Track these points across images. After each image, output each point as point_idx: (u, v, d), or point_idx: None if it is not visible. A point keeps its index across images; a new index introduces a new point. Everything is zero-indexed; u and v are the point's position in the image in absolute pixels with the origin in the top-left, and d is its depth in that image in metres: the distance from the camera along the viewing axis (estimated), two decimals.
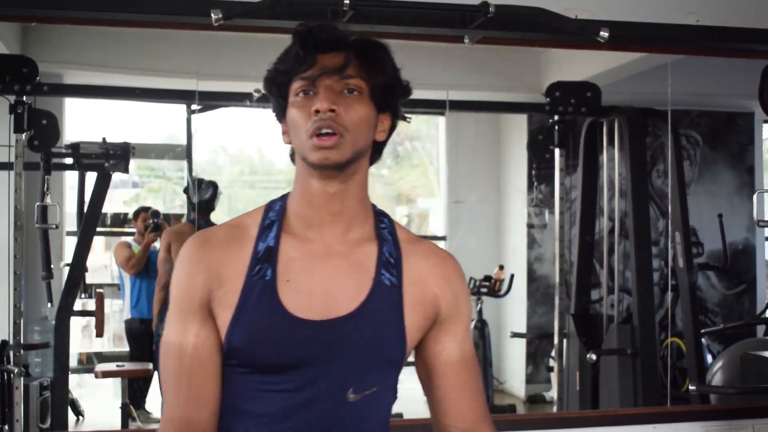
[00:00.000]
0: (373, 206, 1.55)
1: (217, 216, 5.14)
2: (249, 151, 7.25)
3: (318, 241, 1.48)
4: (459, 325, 1.56)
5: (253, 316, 1.43)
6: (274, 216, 1.50)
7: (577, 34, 2.59)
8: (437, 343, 1.54)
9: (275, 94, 1.48)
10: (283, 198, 1.53)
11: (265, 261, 1.45)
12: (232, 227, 1.52)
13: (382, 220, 1.55)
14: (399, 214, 6.74)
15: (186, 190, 5.04)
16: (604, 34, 2.55)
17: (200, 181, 4.96)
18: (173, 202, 7.38)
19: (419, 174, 7.02)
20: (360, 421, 1.46)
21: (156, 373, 5.09)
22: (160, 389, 1.54)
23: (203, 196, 4.88)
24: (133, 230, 5.45)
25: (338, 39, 1.44)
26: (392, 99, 1.50)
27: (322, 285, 1.45)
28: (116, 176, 4.24)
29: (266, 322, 1.42)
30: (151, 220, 5.25)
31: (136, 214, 5.48)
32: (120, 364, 4.90)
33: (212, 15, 2.33)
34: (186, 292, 1.47)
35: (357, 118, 1.42)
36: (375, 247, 1.51)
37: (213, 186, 5.00)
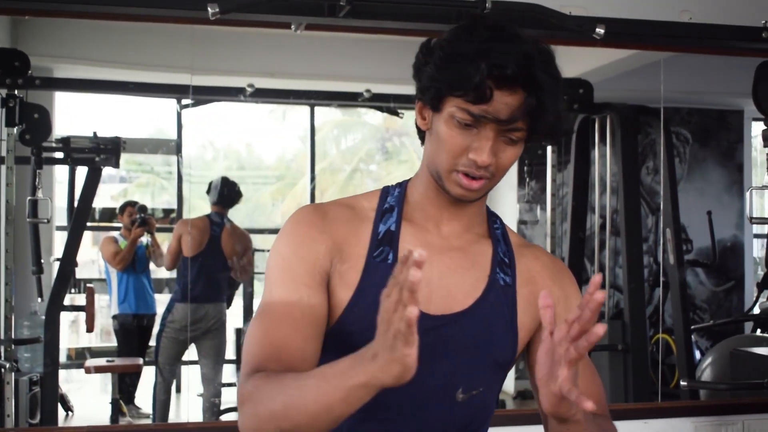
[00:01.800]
0: (486, 207, 1.52)
1: (204, 210, 5.14)
2: (237, 147, 7.23)
3: (436, 233, 1.45)
4: None
5: (373, 299, 1.24)
6: (393, 201, 1.47)
7: (574, 30, 2.59)
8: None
9: (431, 93, 1.35)
10: (402, 185, 1.50)
11: (386, 243, 1.42)
12: (348, 206, 1.47)
13: (494, 221, 1.52)
14: None
15: (209, 189, 5.06)
16: (600, 30, 2.56)
17: (231, 182, 5.06)
18: (161, 197, 7.36)
19: (408, 170, 7.02)
20: (466, 422, 1.43)
21: (148, 367, 5.09)
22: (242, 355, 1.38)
23: (232, 194, 4.98)
24: (120, 225, 5.43)
25: (523, 75, 1.30)
26: (545, 140, 1.47)
27: (440, 278, 1.41)
28: (104, 171, 4.22)
29: None
30: (138, 215, 5.24)
31: (122, 208, 5.46)
32: (110, 359, 4.89)
33: (209, 9, 2.32)
34: (303, 256, 1.39)
35: (508, 164, 1.37)
36: (490, 246, 1.48)
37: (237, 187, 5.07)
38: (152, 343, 5.39)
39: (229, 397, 4.87)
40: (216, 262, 4.93)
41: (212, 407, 4.84)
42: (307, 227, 1.41)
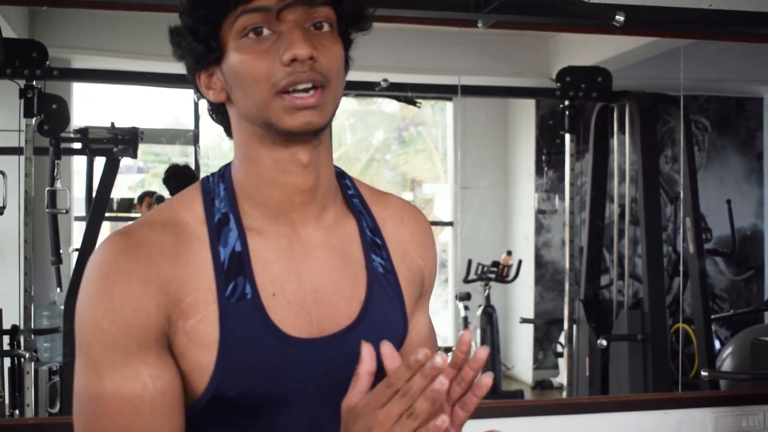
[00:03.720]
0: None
1: None
2: None
3: (291, 234, 1.15)
4: (428, 296, 1.32)
5: (246, 352, 1.08)
6: (224, 207, 1.14)
7: (594, 18, 2.57)
8: (410, 320, 1.26)
9: (202, 35, 1.09)
10: (225, 176, 1.17)
11: (236, 274, 1.10)
12: (167, 227, 1.11)
13: (346, 185, 1.25)
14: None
15: (166, 179, 5.00)
16: (620, 18, 2.53)
17: (178, 166, 4.95)
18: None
19: (424, 159, 7.00)
20: None
21: None
22: None
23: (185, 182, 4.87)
24: (138, 215, 5.45)
25: None
26: (357, 30, 1.16)
27: (313, 291, 1.15)
28: (122, 161, 4.23)
29: (264, 355, 1.09)
30: (156, 205, 5.24)
31: (141, 198, 5.48)
32: None
33: None
34: (130, 324, 1.04)
35: (336, 63, 1.09)
36: (353, 224, 1.22)
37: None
38: None
39: None
40: None
41: None
42: (124, 282, 1.05)
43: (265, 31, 1.06)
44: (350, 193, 1.24)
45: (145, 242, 1.08)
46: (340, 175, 1.25)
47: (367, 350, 1.02)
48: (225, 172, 1.18)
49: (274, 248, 1.14)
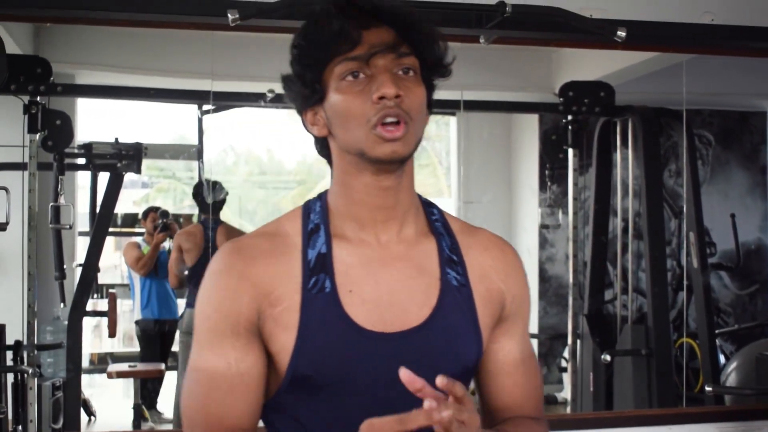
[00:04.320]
0: (419, 196, 1.40)
1: (226, 216, 5.15)
2: (258, 152, 7.24)
3: (373, 243, 1.33)
4: (519, 323, 1.43)
5: (320, 335, 1.26)
6: (318, 219, 1.35)
7: (595, 33, 2.57)
8: (495, 342, 1.40)
9: (308, 80, 1.29)
10: (321, 197, 1.38)
11: (320, 271, 1.30)
12: (271, 236, 1.34)
13: (432, 212, 1.41)
14: None
15: (196, 193, 5.05)
16: (622, 33, 2.53)
17: (213, 182, 4.98)
18: (182, 203, 7.38)
19: (428, 174, 7.01)
20: None
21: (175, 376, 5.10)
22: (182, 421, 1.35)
23: (217, 197, 4.89)
24: (143, 230, 5.46)
25: (382, 10, 1.27)
26: (438, 76, 1.35)
27: (388, 293, 1.31)
28: (126, 176, 4.24)
29: (336, 340, 1.27)
30: (161, 221, 5.26)
31: (145, 214, 5.49)
32: (132, 364, 4.91)
33: (229, 15, 2.32)
34: (227, 312, 1.29)
35: (419, 103, 1.28)
36: (433, 243, 1.37)
37: (223, 188, 5.02)
38: (175, 348, 5.41)
39: None
40: None
41: None
42: (226, 278, 1.31)
43: (360, 75, 1.26)
44: (434, 218, 1.40)
45: (247, 247, 1.33)
46: (428, 204, 1.42)
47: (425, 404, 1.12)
48: (323, 194, 1.39)
49: (356, 254, 1.33)
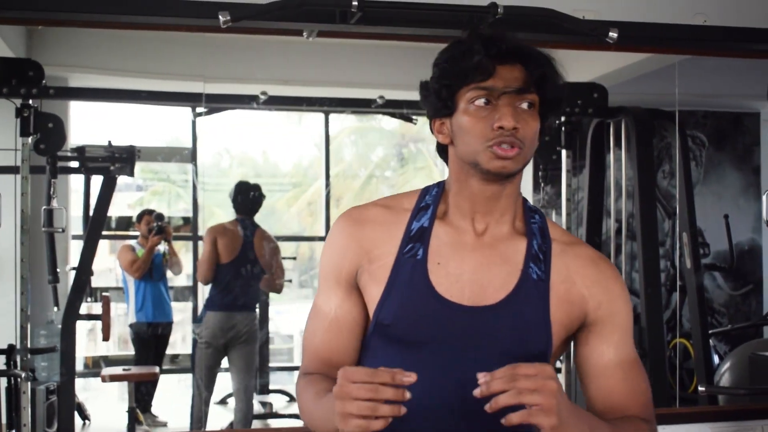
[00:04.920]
0: (526, 202, 1.59)
1: (219, 218, 5.14)
2: (253, 154, 7.24)
3: (469, 231, 1.53)
4: (612, 329, 1.55)
5: (403, 293, 1.50)
6: (431, 200, 1.57)
7: (587, 35, 2.58)
8: (586, 345, 1.55)
9: (443, 96, 1.49)
10: (440, 185, 1.60)
11: (417, 240, 1.52)
12: (387, 207, 1.58)
13: (533, 216, 1.58)
14: None
15: (239, 191, 5.02)
16: (614, 34, 2.54)
17: (254, 185, 5.04)
18: (177, 205, 7.38)
19: (424, 176, 7.01)
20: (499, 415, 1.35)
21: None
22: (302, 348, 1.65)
23: (257, 199, 4.95)
24: (137, 233, 5.45)
25: (517, 50, 1.47)
26: (552, 113, 1.54)
27: (471, 272, 1.50)
28: (120, 179, 4.24)
29: (416, 300, 1.49)
30: (155, 224, 5.26)
31: (140, 217, 5.49)
32: (126, 367, 4.90)
33: (220, 17, 2.32)
34: (334, 264, 1.56)
35: (532, 133, 1.47)
36: (524, 242, 1.54)
37: (262, 194, 5.04)
38: (170, 351, 5.40)
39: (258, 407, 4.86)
40: (252, 268, 4.88)
41: (244, 419, 4.81)
42: (338, 237, 1.57)
43: (488, 103, 1.46)
44: (532, 221, 1.57)
45: (361, 213, 1.58)
46: (532, 210, 1.59)
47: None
48: (441, 183, 1.60)
49: (451, 235, 1.53)
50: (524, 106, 1.47)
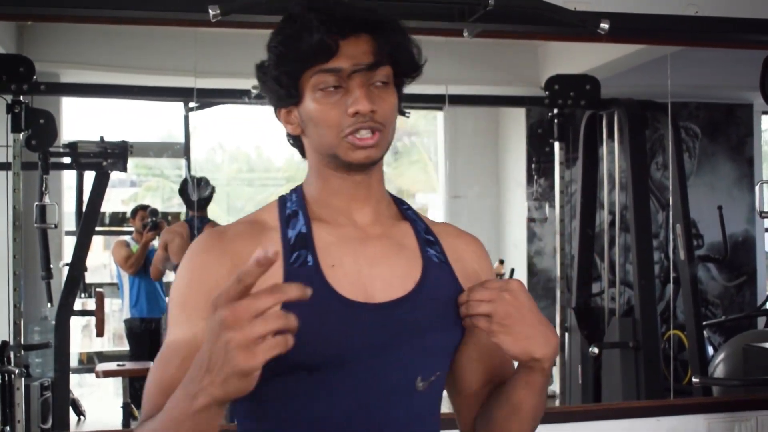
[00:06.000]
0: (389, 193, 1.46)
1: (215, 213, 5.13)
2: (246, 149, 7.22)
3: (352, 226, 1.37)
4: None
5: (304, 307, 1.14)
6: (295, 206, 1.38)
7: (578, 26, 2.58)
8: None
9: (284, 83, 1.32)
10: (297, 190, 1.42)
11: (301, 247, 1.32)
12: (249, 223, 1.37)
13: (402, 203, 1.47)
14: None
15: (182, 189, 5.04)
16: (605, 26, 2.54)
17: (199, 179, 4.96)
18: (171, 201, 7.35)
19: (419, 169, 7.00)
20: (426, 413, 1.35)
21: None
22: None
23: (203, 194, 4.87)
24: (132, 229, 5.44)
25: (361, 20, 1.29)
26: (411, 80, 1.40)
27: (370, 267, 1.33)
28: (114, 175, 4.22)
29: (321, 311, 1.25)
30: (150, 219, 5.24)
31: (134, 212, 5.47)
32: (121, 363, 4.88)
33: (210, 11, 2.32)
34: (199, 287, 1.27)
35: (391, 111, 1.33)
36: (408, 225, 1.42)
37: (209, 184, 5.02)
38: None
39: None
40: None
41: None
42: (204, 254, 1.30)
43: (336, 87, 1.29)
44: (404, 208, 1.46)
45: (226, 230, 1.34)
46: (398, 199, 1.47)
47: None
48: (297, 188, 1.42)
49: (335, 234, 1.35)
50: (378, 82, 1.31)
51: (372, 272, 1.33)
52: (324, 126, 1.31)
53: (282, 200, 1.41)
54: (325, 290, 1.28)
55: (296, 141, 1.42)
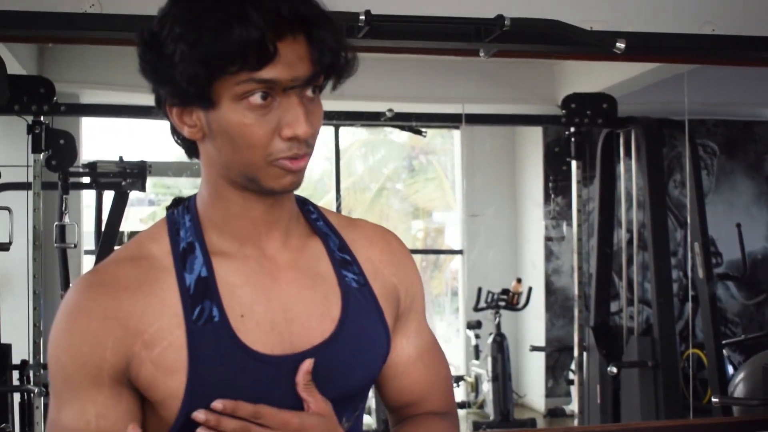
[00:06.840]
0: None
1: None
2: None
3: (258, 257, 1.17)
4: (414, 317, 1.32)
5: (216, 371, 1.09)
6: (190, 236, 1.16)
7: (594, 45, 2.58)
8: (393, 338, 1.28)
9: (198, 81, 1.05)
10: (190, 209, 1.19)
11: (203, 298, 1.11)
12: (135, 260, 1.13)
13: (309, 210, 1.27)
14: (414, 228, 6.73)
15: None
16: (621, 45, 2.54)
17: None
18: None
19: (435, 187, 7.00)
20: None
21: None
22: None
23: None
24: None
25: (300, 14, 1.06)
26: (346, 78, 1.17)
27: (284, 311, 1.16)
28: (133, 194, 4.24)
29: (237, 374, 1.10)
30: None
31: None
32: None
33: None
34: (85, 360, 1.08)
35: (319, 125, 1.12)
36: (320, 243, 1.23)
37: None
38: None
39: None
40: None
41: None
42: (86, 318, 1.09)
43: (267, 98, 1.06)
44: (313, 217, 1.26)
45: (109, 278, 1.12)
46: (302, 202, 1.27)
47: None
48: (190, 205, 1.20)
49: (241, 272, 1.15)
50: (310, 93, 1.10)
51: (287, 317, 1.16)
52: (244, 145, 1.07)
53: (172, 224, 1.18)
54: (237, 348, 1.11)
55: (188, 147, 1.19)
